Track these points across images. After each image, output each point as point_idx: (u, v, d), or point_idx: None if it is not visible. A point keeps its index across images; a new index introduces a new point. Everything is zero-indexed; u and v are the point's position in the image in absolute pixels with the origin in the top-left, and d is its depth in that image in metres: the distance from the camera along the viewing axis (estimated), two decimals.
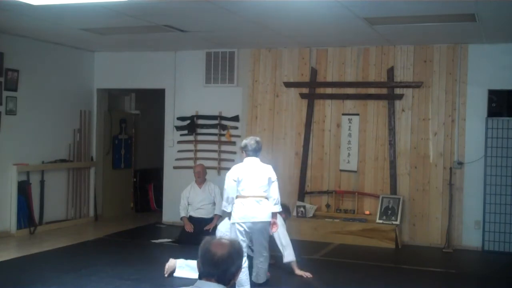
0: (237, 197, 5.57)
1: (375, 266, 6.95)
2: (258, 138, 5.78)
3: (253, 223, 5.50)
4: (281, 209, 5.74)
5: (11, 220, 8.19)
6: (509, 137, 7.75)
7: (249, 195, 5.52)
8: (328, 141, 8.64)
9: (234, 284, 2.55)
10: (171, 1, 5.97)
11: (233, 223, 5.54)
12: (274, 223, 5.62)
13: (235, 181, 5.57)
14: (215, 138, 9.23)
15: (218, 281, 2.44)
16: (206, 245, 2.49)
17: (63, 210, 9.21)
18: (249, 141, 5.71)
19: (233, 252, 2.47)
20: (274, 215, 5.60)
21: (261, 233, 5.59)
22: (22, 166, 8.33)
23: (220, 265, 2.43)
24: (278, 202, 5.63)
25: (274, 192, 5.63)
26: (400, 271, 6.75)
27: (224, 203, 5.69)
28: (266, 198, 5.59)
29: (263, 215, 5.53)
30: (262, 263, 5.71)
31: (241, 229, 5.50)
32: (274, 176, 5.65)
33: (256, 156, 5.69)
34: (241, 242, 5.18)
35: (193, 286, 2.48)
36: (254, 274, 5.70)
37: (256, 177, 5.58)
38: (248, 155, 5.70)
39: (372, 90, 8.42)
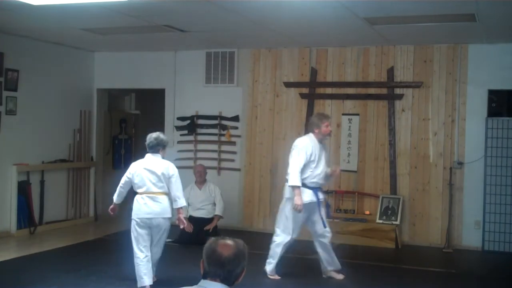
0: (136, 193, 5.68)
1: (375, 266, 6.95)
2: (159, 135, 5.76)
3: (149, 219, 5.57)
4: (183, 205, 5.72)
5: (11, 220, 8.19)
6: (509, 137, 7.75)
7: (144, 192, 5.60)
8: (328, 141, 8.61)
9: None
10: (171, 1, 5.97)
11: (132, 219, 5.64)
12: (179, 219, 5.69)
13: (129, 178, 5.68)
14: (215, 138, 9.23)
15: (223, 281, 2.46)
16: (212, 246, 2.51)
17: (63, 210, 9.21)
18: (149, 136, 5.73)
19: (239, 253, 2.50)
20: (179, 210, 5.67)
21: (158, 230, 5.65)
22: (22, 166, 8.33)
23: (226, 266, 2.46)
24: (178, 198, 5.65)
25: (172, 189, 5.63)
26: (400, 271, 6.75)
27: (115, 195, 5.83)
28: (165, 194, 5.63)
29: (159, 212, 5.59)
30: (156, 262, 5.79)
31: (142, 225, 5.59)
32: (171, 172, 5.63)
33: (155, 152, 5.68)
34: (140, 237, 5.53)
35: (197, 286, 2.49)
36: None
37: (150, 174, 5.60)
38: (148, 151, 5.74)
39: (372, 90, 8.42)
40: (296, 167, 5.90)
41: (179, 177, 5.70)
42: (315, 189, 6.00)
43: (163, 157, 5.75)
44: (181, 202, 5.66)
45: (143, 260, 5.56)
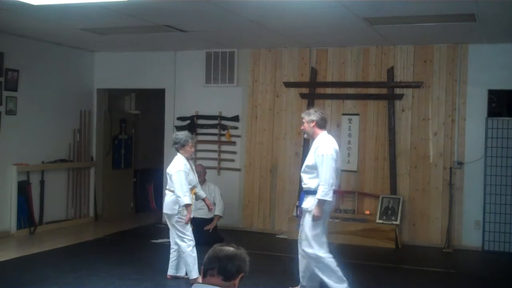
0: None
1: (375, 266, 6.95)
2: (176, 135, 6.14)
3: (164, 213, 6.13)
4: (183, 203, 5.82)
5: (11, 220, 8.20)
6: (509, 137, 7.75)
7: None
8: None
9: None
10: (171, 1, 5.97)
11: None
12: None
13: None
14: (215, 138, 9.23)
15: (219, 273, 2.57)
16: (213, 247, 2.69)
17: (63, 210, 9.21)
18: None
19: (237, 254, 2.65)
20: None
21: (168, 224, 6.12)
22: (22, 166, 8.33)
23: (222, 259, 2.59)
24: (178, 196, 5.82)
25: (172, 187, 5.92)
26: (400, 271, 6.76)
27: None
28: (170, 191, 5.96)
29: (164, 207, 6.09)
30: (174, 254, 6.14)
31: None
32: (169, 171, 5.94)
33: (177, 151, 6.06)
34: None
35: None
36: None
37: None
38: None
39: (372, 90, 8.42)
40: None
41: (179, 175, 5.84)
42: (303, 192, 5.50)
43: (187, 156, 6.07)
44: (182, 201, 5.80)
45: (170, 252, 6.14)
